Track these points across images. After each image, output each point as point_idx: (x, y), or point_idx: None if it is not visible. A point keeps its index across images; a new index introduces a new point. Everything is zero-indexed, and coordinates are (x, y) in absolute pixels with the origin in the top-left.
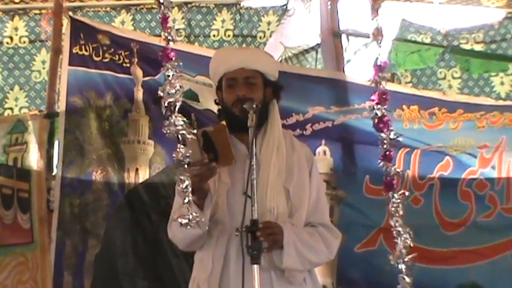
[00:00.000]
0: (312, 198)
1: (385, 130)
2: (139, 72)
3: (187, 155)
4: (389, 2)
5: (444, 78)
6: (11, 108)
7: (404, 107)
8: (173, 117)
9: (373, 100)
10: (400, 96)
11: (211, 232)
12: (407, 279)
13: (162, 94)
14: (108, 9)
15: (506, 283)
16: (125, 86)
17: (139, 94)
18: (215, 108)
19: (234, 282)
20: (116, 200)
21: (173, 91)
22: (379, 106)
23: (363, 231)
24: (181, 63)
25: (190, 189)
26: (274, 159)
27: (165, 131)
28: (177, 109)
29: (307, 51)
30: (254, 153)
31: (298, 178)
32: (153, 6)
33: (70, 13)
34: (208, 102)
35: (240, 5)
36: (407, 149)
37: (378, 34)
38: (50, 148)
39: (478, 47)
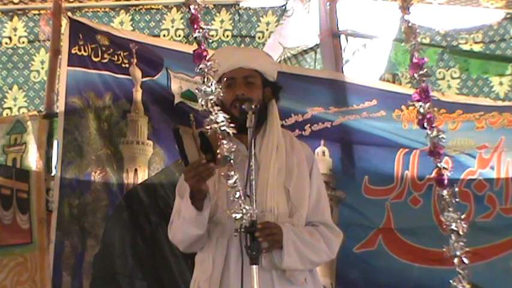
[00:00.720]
0: (313, 198)
1: (429, 127)
2: (138, 72)
3: (233, 149)
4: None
5: (443, 78)
6: (10, 108)
7: (403, 107)
8: (214, 114)
9: (415, 98)
10: (399, 97)
11: (212, 233)
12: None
13: (198, 93)
14: (107, 9)
15: (505, 284)
16: (124, 86)
17: (138, 95)
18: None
19: (234, 282)
20: (115, 200)
21: (211, 89)
22: (421, 104)
23: (362, 231)
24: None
25: (239, 182)
26: (274, 159)
27: (207, 128)
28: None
29: (306, 51)
30: (253, 153)
31: (298, 178)
32: (152, 6)
33: (69, 13)
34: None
35: (238, 5)
36: (406, 150)
37: (410, 33)
38: (49, 149)
39: (477, 47)
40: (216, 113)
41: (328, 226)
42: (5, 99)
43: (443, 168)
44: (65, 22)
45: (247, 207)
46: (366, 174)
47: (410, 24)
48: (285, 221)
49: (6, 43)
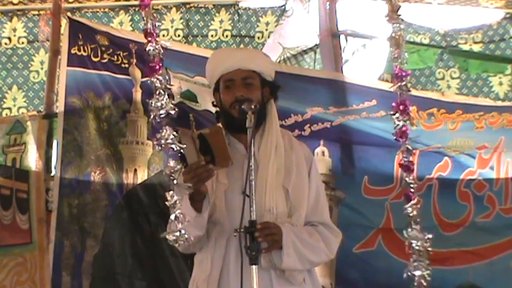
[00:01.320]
0: (312, 198)
1: (403, 140)
2: (137, 72)
3: (176, 169)
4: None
5: (443, 78)
6: (9, 108)
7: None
8: (164, 130)
9: (394, 109)
10: None
11: (210, 233)
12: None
13: (152, 106)
14: (106, 10)
15: (504, 284)
16: (124, 86)
17: (137, 95)
18: (214, 109)
19: (233, 282)
20: (114, 200)
21: (163, 103)
22: (397, 116)
23: (361, 231)
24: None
25: (179, 205)
26: (273, 159)
27: (155, 144)
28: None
29: (305, 51)
30: (252, 153)
31: (297, 177)
32: (152, 7)
33: (68, 14)
34: (207, 103)
35: (238, 5)
36: None
37: (396, 44)
38: (48, 149)
39: (477, 47)
40: (165, 129)
41: (327, 226)
42: (5, 100)
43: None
44: (64, 22)
45: (182, 230)
46: (365, 174)
47: (397, 35)
48: (284, 221)
49: (5, 43)
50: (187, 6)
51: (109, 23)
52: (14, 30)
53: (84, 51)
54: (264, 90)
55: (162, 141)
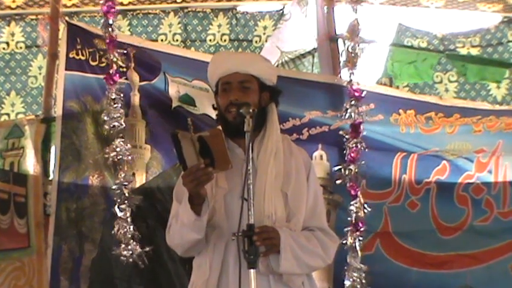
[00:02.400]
0: (310, 203)
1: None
2: (135, 76)
3: (126, 182)
4: (386, 6)
5: (441, 82)
6: (8, 114)
7: (400, 111)
8: (117, 142)
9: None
10: (397, 101)
11: (209, 237)
12: None
13: (105, 118)
14: None
15: (503, 287)
16: (122, 90)
17: (135, 99)
18: (212, 113)
19: (232, 287)
20: (112, 204)
21: (117, 115)
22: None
23: None
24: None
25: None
26: (272, 163)
27: (106, 155)
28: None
29: (303, 55)
30: (251, 157)
31: (296, 183)
32: (149, 11)
33: (66, 18)
34: (205, 107)
35: (236, 9)
36: (404, 154)
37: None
38: (46, 153)
39: (475, 51)
40: (119, 141)
41: (325, 231)
42: (3, 105)
43: None
44: (62, 26)
45: (135, 246)
46: (363, 178)
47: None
48: (282, 226)
49: (3, 48)
50: (185, 10)
51: None
52: (12, 35)
53: (82, 55)
54: (262, 94)
55: (112, 154)
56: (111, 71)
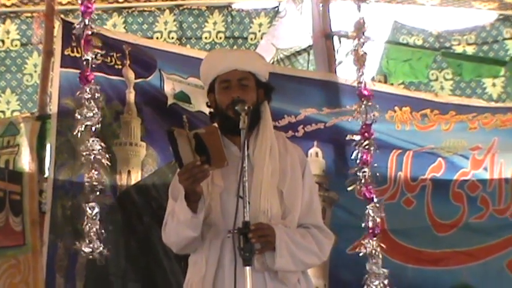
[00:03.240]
0: (305, 200)
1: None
2: (131, 74)
3: (102, 182)
4: (381, 3)
5: (436, 79)
6: (3, 112)
7: (396, 108)
8: (90, 141)
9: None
10: (392, 98)
11: (205, 235)
12: None
13: (79, 117)
14: (99, 12)
15: (498, 284)
16: (117, 88)
17: (131, 96)
18: (207, 110)
19: (228, 284)
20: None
21: (91, 114)
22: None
23: (354, 233)
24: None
25: (98, 216)
26: (268, 161)
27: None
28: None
29: (299, 52)
30: (246, 155)
31: (291, 180)
32: (145, 9)
33: (62, 16)
34: (201, 104)
35: (231, 7)
36: (400, 151)
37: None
38: (41, 150)
39: (470, 49)
40: (93, 140)
41: (320, 228)
42: None
43: None
44: (57, 24)
45: (99, 245)
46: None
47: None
48: (277, 223)
49: None
50: (181, 8)
51: (102, 25)
52: (8, 32)
53: (78, 52)
54: (258, 91)
55: (85, 153)
56: (85, 71)
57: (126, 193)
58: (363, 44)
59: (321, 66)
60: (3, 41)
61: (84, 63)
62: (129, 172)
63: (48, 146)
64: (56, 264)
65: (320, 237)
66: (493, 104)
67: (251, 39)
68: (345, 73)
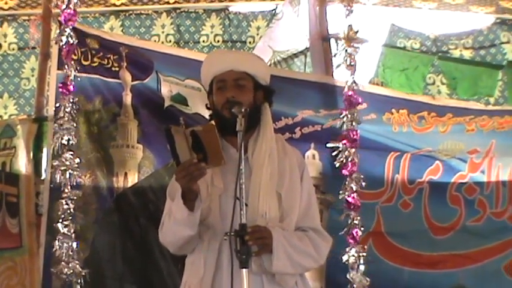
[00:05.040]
0: (303, 203)
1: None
2: (128, 76)
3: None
4: (378, 6)
5: (433, 83)
6: (1, 116)
7: (393, 110)
8: (67, 154)
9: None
10: (389, 100)
11: (203, 236)
12: None
13: (57, 128)
14: (97, 15)
15: (496, 287)
16: (114, 90)
17: (128, 98)
18: (204, 112)
19: (226, 286)
20: (104, 204)
21: (69, 126)
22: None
23: None
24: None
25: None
26: (267, 163)
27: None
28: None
29: (296, 55)
30: (245, 157)
31: (289, 183)
32: (142, 12)
33: (59, 18)
34: (198, 106)
35: (228, 10)
36: (397, 153)
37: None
38: (38, 152)
39: (467, 53)
40: (66, 154)
41: (318, 231)
42: None
43: None
44: (54, 27)
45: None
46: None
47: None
48: (275, 226)
49: None
50: (178, 11)
51: (100, 28)
52: (5, 36)
53: (75, 54)
54: (257, 93)
55: (62, 168)
56: (68, 82)
57: (123, 195)
58: (355, 49)
59: (318, 69)
60: (0, 45)
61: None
62: (126, 174)
63: (44, 148)
64: (53, 266)
65: (317, 240)
66: (490, 107)
67: (249, 42)
68: (342, 75)
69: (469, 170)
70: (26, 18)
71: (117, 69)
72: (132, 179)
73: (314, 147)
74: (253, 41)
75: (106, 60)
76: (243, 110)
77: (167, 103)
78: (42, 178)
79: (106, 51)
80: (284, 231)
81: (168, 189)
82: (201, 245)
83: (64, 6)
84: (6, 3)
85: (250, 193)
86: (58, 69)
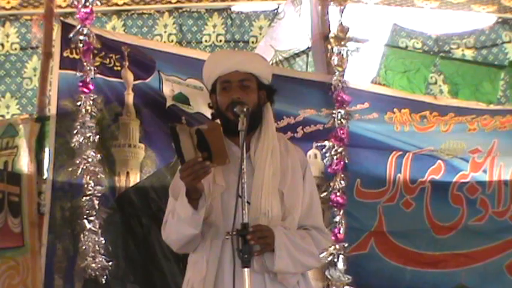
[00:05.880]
0: (305, 202)
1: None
2: (130, 75)
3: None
4: (380, 6)
5: (435, 83)
6: (3, 116)
7: (395, 110)
8: (89, 151)
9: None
10: (392, 100)
11: (205, 235)
12: None
13: (78, 128)
14: (99, 14)
15: (497, 287)
16: (116, 89)
17: (130, 98)
18: (206, 112)
19: (228, 285)
20: (106, 203)
21: (92, 125)
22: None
23: (353, 234)
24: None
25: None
26: (269, 162)
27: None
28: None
29: (297, 54)
30: (247, 156)
31: (292, 181)
32: (144, 11)
33: (61, 18)
34: (199, 106)
35: (230, 9)
36: (399, 153)
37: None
38: (40, 152)
39: (469, 52)
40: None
41: (320, 230)
42: None
43: None
44: (56, 26)
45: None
46: (357, 177)
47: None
48: (277, 224)
49: None
50: (180, 11)
51: (101, 28)
52: (7, 36)
53: (77, 54)
54: (260, 93)
55: (82, 166)
56: (88, 80)
57: (124, 195)
58: (346, 48)
59: (320, 68)
60: (2, 45)
61: (85, 69)
62: (127, 174)
63: (47, 148)
64: (55, 265)
65: (320, 239)
66: (492, 107)
67: (252, 42)
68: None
69: (471, 170)
70: (28, 17)
71: (119, 68)
72: (134, 179)
73: (316, 146)
74: (256, 41)
75: (108, 60)
76: (245, 109)
77: (169, 102)
78: (44, 177)
79: (108, 50)
80: (286, 230)
81: (171, 187)
82: (203, 244)
83: (80, 5)
84: (8, 2)
85: (252, 191)
86: (60, 68)
